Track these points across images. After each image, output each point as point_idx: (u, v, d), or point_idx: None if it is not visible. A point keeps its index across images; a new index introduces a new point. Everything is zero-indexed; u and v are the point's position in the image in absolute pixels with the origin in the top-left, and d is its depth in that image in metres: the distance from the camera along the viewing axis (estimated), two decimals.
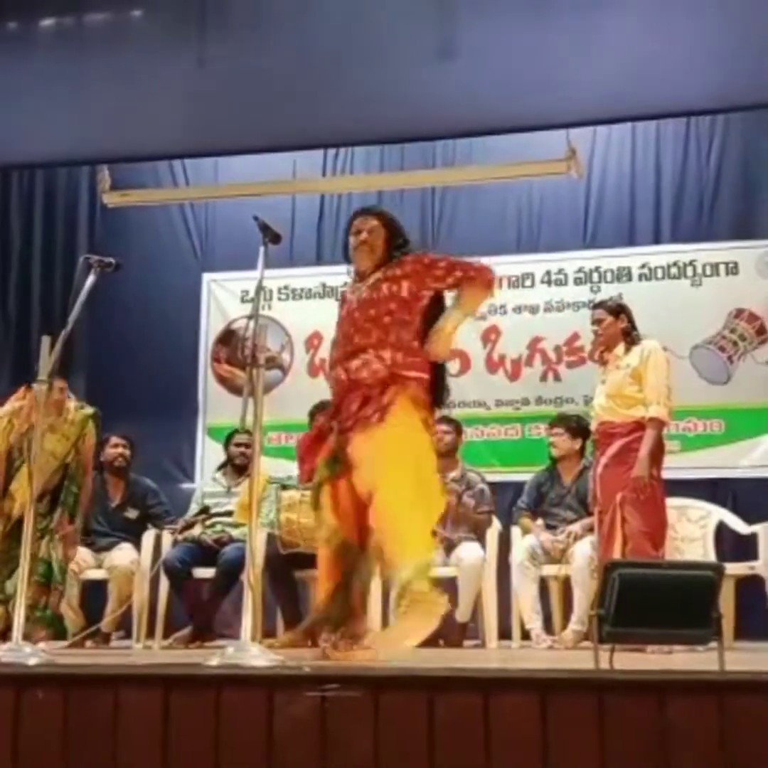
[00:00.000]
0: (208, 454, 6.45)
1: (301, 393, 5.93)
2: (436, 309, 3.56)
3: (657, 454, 4.50)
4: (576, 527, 4.97)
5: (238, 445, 5.45)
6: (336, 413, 3.49)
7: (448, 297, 3.67)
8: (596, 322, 4.77)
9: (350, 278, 3.77)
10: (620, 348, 4.67)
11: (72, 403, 4.57)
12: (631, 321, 4.74)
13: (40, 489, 4.01)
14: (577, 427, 5.16)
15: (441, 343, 3.49)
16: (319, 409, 4.71)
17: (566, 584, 4.95)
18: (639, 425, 4.50)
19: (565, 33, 5.31)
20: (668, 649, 3.95)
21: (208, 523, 5.30)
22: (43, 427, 4.01)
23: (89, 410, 4.43)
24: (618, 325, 4.69)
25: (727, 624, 4.23)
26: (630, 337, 4.68)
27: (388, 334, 3.45)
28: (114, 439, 5.45)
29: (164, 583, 5.08)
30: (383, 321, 3.46)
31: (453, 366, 6.43)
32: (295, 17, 5.48)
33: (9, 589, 4.03)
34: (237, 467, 5.45)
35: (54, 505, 4.24)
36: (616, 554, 4.30)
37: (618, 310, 4.76)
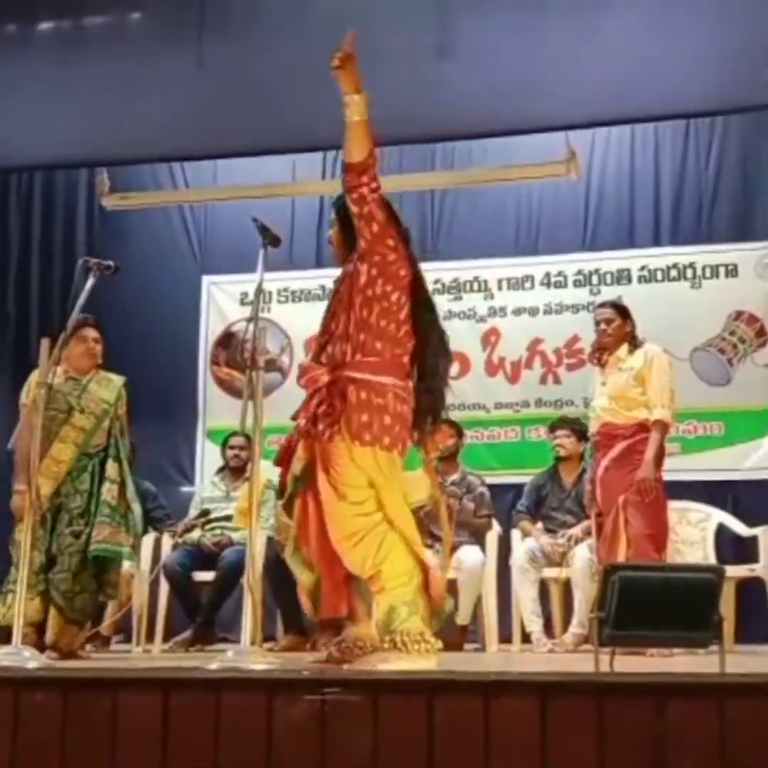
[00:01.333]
0: (208, 457, 6.44)
1: (301, 396, 5.89)
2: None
3: (659, 456, 4.48)
4: (576, 530, 4.97)
5: (233, 447, 5.45)
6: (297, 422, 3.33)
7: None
8: (606, 321, 4.68)
9: None
10: (623, 350, 4.64)
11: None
12: (633, 324, 4.73)
13: (90, 440, 4.07)
14: (581, 429, 5.16)
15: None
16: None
17: (566, 587, 4.95)
18: (642, 427, 4.48)
19: (563, 35, 5.31)
20: (668, 651, 3.94)
21: (207, 526, 5.29)
22: (90, 376, 4.17)
23: (121, 378, 4.38)
24: (625, 327, 4.67)
25: (728, 627, 4.22)
26: (634, 340, 4.67)
27: (341, 327, 3.24)
28: None
29: (164, 587, 5.08)
30: (343, 304, 3.29)
31: (453, 368, 6.43)
32: (293, 19, 5.47)
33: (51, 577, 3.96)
34: (234, 470, 5.45)
35: (105, 459, 4.18)
36: (621, 557, 4.26)
37: (625, 311, 4.74)
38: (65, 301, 3.81)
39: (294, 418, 3.40)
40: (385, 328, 3.16)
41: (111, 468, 4.11)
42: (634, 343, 4.65)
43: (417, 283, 3.26)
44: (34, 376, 4.09)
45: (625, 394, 4.53)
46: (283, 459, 3.36)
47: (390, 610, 3.00)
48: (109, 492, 4.06)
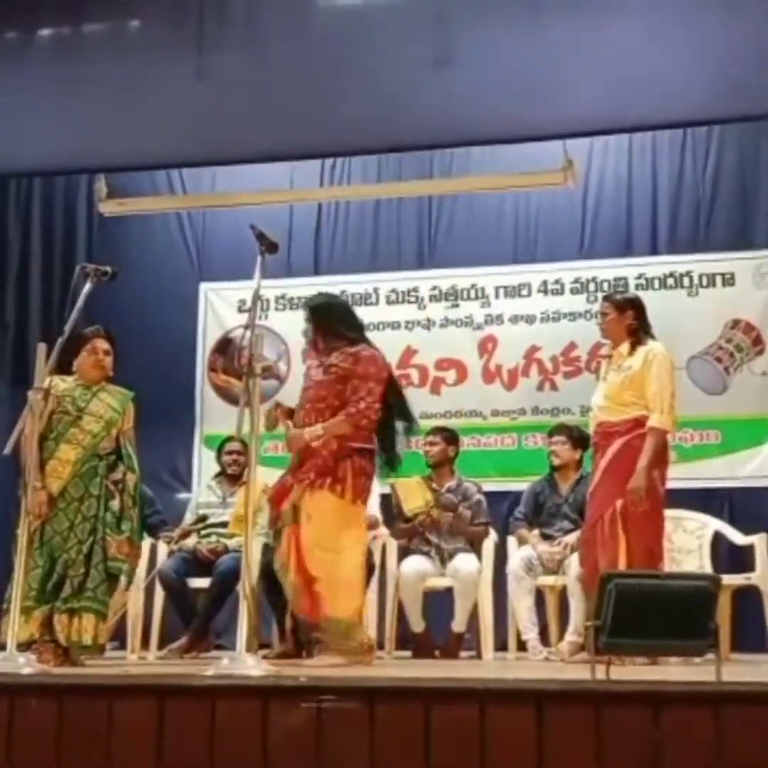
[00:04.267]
0: (205, 463, 6.44)
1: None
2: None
3: (659, 464, 4.30)
4: (572, 538, 4.95)
5: (230, 453, 5.44)
6: (296, 469, 4.16)
7: None
8: (601, 314, 4.54)
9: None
10: (625, 346, 4.43)
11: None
12: (639, 318, 4.45)
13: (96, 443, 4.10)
14: (578, 437, 5.09)
15: (294, 441, 4.20)
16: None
17: (562, 595, 4.94)
18: (637, 422, 4.29)
19: (561, 44, 5.32)
20: (651, 660, 3.93)
21: (203, 533, 5.28)
22: (98, 386, 4.23)
23: (130, 392, 4.42)
24: (623, 322, 4.44)
25: (724, 635, 4.20)
26: (636, 336, 4.41)
27: (337, 412, 4.13)
28: None
29: (159, 593, 5.06)
30: (331, 401, 4.15)
31: (450, 376, 6.48)
32: (292, 28, 5.49)
33: (67, 565, 3.96)
34: (231, 477, 5.44)
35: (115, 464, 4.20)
36: (621, 559, 4.16)
37: (625, 305, 4.48)
38: (64, 307, 3.82)
39: (292, 469, 4.22)
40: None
41: (122, 476, 4.15)
42: (637, 340, 4.41)
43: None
44: (48, 383, 4.14)
45: (620, 396, 4.38)
46: (278, 498, 4.18)
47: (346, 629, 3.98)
48: (119, 502, 4.09)
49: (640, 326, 4.46)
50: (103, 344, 4.29)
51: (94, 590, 3.98)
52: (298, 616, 4.19)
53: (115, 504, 4.09)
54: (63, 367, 4.09)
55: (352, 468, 4.10)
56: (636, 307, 4.50)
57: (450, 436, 5.41)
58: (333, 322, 4.30)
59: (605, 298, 4.71)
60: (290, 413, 4.34)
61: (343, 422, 4.10)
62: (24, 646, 3.69)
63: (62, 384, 4.19)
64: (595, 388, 4.74)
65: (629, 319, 4.45)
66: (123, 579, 4.18)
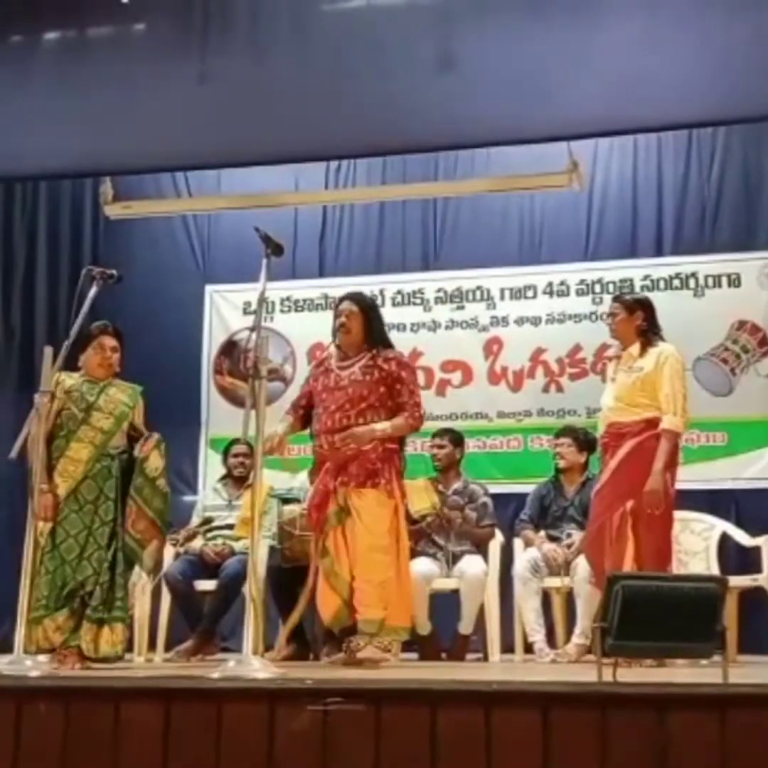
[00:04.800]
0: (210, 465, 6.44)
1: None
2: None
3: (671, 466, 4.30)
4: (577, 539, 4.94)
5: (236, 455, 5.44)
6: (336, 474, 4.17)
7: None
8: (611, 315, 4.52)
9: (334, 351, 4.42)
10: (635, 347, 4.42)
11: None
12: (648, 319, 4.45)
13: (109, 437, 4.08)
14: (584, 440, 5.08)
15: (363, 437, 4.15)
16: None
17: (569, 597, 4.94)
18: (650, 424, 4.29)
19: (565, 46, 5.32)
20: (658, 662, 3.93)
21: (209, 535, 5.29)
22: (105, 382, 4.21)
23: (138, 387, 4.39)
24: (632, 322, 4.43)
25: (731, 637, 4.18)
26: (646, 337, 4.42)
27: (378, 412, 4.18)
28: None
29: (166, 596, 5.07)
30: (373, 401, 4.18)
31: (455, 377, 6.47)
32: (296, 31, 5.49)
33: (87, 571, 3.94)
34: (237, 479, 5.44)
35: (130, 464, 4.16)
36: (627, 561, 4.17)
37: (634, 306, 4.47)
38: (70, 310, 3.82)
39: (331, 472, 4.21)
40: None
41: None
42: (648, 341, 4.41)
43: None
44: (55, 379, 4.15)
45: (632, 397, 4.36)
46: (321, 502, 4.19)
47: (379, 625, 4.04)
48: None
49: (650, 327, 4.46)
50: (110, 341, 4.25)
51: (123, 600, 3.98)
52: (337, 618, 4.17)
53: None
54: (69, 363, 4.07)
55: (395, 469, 4.21)
56: (645, 307, 4.50)
57: (457, 438, 5.40)
58: (378, 321, 4.40)
59: (615, 299, 4.69)
60: (304, 420, 4.36)
61: (404, 424, 4.22)
62: (45, 654, 3.72)
63: (69, 380, 4.16)
64: (601, 389, 4.75)
65: (639, 320, 4.45)
66: (142, 573, 4.15)
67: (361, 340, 4.30)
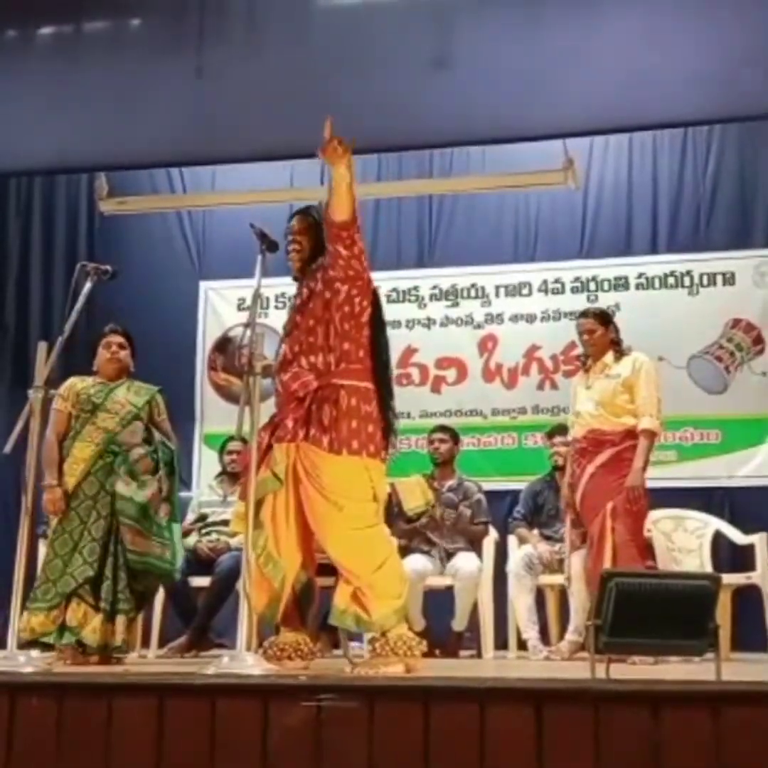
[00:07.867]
0: (205, 462, 6.44)
1: None
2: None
3: (647, 464, 4.48)
4: (572, 535, 4.94)
5: (231, 452, 5.45)
6: (274, 428, 3.44)
7: None
8: (588, 332, 4.68)
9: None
10: (609, 356, 4.63)
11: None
12: (616, 329, 4.71)
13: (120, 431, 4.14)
14: None
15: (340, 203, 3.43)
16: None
17: (563, 594, 4.94)
18: (630, 434, 4.48)
19: (561, 44, 5.33)
20: (653, 660, 3.94)
21: (204, 531, 5.29)
22: (120, 382, 4.26)
23: (154, 387, 4.42)
24: (608, 335, 4.65)
25: (724, 635, 4.21)
26: (617, 346, 4.65)
27: (321, 339, 3.48)
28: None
29: (159, 592, 5.06)
30: (314, 327, 3.53)
31: (450, 374, 6.48)
32: (292, 27, 5.49)
33: (77, 563, 3.96)
34: (232, 476, 5.44)
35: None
36: (606, 563, 4.26)
37: (606, 319, 4.74)
38: (65, 306, 3.82)
39: (273, 421, 3.48)
40: (362, 339, 3.43)
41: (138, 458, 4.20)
42: (620, 350, 4.63)
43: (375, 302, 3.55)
44: (68, 384, 4.18)
45: (613, 401, 4.53)
46: (246, 471, 3.35)
47: (384, 618, 3.25)
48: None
49: (617, 337, 4.69)
50: (116, 338, 4.35)
51: (124, 591, 4.01)
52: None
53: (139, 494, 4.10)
54: (81, 368, 4.24)
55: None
56: (611, 319, 4.78)
57: (455, 434, 5.43)
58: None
59: (586, 316, 4.80)
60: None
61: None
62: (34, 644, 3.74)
63: (80, 384, 4.26)
64: (579, 384, 4.76)
65: (612, 332, 4.69)
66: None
67: None
